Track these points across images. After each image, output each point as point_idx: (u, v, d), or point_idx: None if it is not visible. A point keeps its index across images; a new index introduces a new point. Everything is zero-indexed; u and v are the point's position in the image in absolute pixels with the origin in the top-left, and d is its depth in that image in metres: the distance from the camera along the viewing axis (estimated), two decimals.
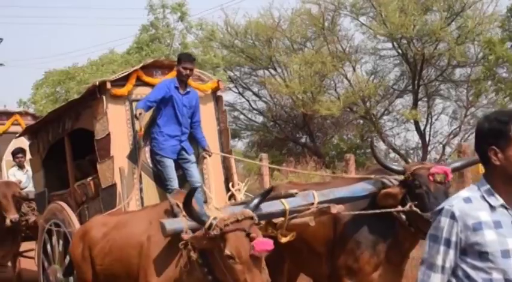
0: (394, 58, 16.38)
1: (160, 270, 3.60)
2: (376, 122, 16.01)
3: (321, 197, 4.17)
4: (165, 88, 5.11)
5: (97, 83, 4.98)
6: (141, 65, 5.20)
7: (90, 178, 5.31)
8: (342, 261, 4.20)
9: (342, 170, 14.06)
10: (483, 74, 14.58)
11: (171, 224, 3.55)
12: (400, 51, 15.77)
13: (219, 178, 5.44)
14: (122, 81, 5.06)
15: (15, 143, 7.59)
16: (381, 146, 16.83)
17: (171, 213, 3.76)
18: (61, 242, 5.22)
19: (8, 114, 7.93)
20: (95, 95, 5.05)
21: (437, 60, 15.68)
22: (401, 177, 4.10)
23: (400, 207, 4.03)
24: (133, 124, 5.11)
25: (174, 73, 5.24)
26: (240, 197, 5.31)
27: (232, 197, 5.33)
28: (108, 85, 4.95)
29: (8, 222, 6.29)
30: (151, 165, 5.17)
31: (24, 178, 7.25)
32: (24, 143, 7.66)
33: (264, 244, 3.16)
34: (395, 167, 4.24)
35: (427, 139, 16.01)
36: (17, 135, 6.82)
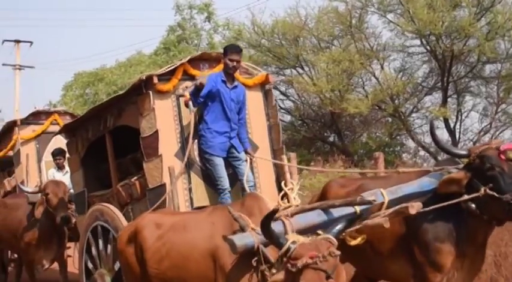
0: (422, 55, 15.78)
1: None
2: (405, 120, 15.46)
3: (390, 195, 3.76)
4: (212, 82, 4.71)
5: (143, 78, 4.59)
6: (188, 58, 4.81)
7: (135, 178, 4.93)
8: (423, 258, 3.78)
9: (370, 169, 13.59)
10: None
11: (240, 239, 3.17)
12: (428, 48, 15.18)
13: (270, 177, 5.02)
14: (167, 75, 4.68)
15: (54, 143, 7.28)
16: (410, 143, 16.29)
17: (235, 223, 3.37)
18: (108, 245, 4.86)
19: (46, 114, 7.63)
20: (140, 90, 4.66)
21: (467, 56, 15.06)
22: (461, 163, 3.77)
23: (467, 195, 3.61)
24: (180, 120, 4.72)
25: (222, 66, 4.85)
26: (293, 196, 4.89)
27: (284, 196, 4.91)
28: (155, 79, 4.57)
29: (58, 219, 5.98)
30: (200, 164, 4.78)
31: (64, 179, 6.93)
32: (63, 143, 7.34)
33: None
34: (458, 151, 3.94)
35: (457, 136, 15.41)
36: (55, 133, 6.48)
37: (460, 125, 15.58)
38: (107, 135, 5.18)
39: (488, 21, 14.52)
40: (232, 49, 4.83)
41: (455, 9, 14.77)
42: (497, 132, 15.23)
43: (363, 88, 16.03)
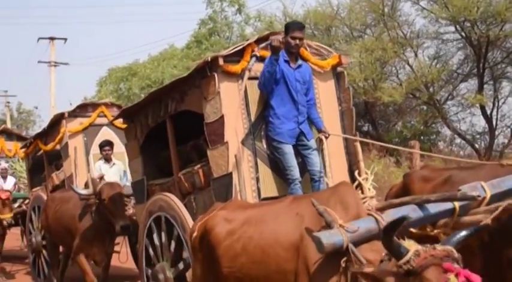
0: (457, 42, 14.98)
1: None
2: (440, 108, 14.75)
3: (493, 189, 3.20)
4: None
5: (208, 59, 4.10)
6: (255, 38, 4.30)
7: (199, 166, 4.46)
8: (506, 252, 3.25)
9: (406, 158, 13.00)
10: None
11: (328, 237, 2.68)
12: (463, 34, 14.41)
13: (342, 166, 4.51)
14: (235, 56, 4.18)
15: (102, 135, 6.88)
16: (446, 131, 15.60)
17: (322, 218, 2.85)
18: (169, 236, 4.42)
19: (93, 106, 7.22)
20: (204, 73, 4.18)
21: (503, 42, 14.24)
22: None
23: None
24: (247, 105, 4.23)
25: None
26: (368, 186, 4.37)
27: (358, 187, 4.39)
28: (221, 61, 4.07)
29: (117, 228, 5.50)
30: (268, 152, 4.28)
31: (112, 172, 6.50)
32: (111, 135, 6.95)
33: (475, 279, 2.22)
34: None
35: (494, 123, 14.65)
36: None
37: (497, 112, 14.81)
38: (168, 121, 4.72)
39: None
40: (294, 26, 4.32)
41: None
42: None
43: (397, 76, 15.36)
